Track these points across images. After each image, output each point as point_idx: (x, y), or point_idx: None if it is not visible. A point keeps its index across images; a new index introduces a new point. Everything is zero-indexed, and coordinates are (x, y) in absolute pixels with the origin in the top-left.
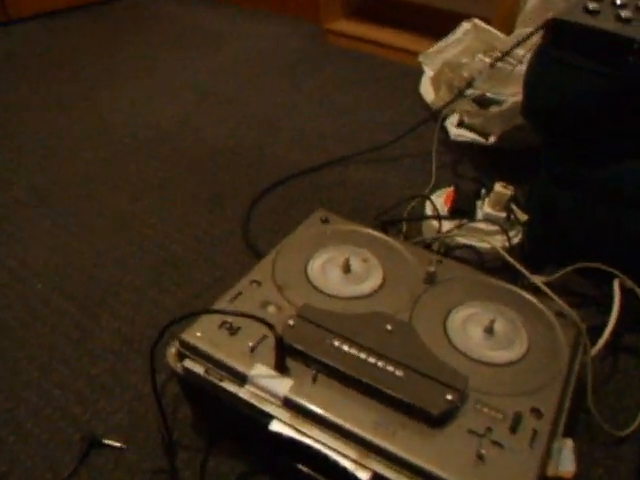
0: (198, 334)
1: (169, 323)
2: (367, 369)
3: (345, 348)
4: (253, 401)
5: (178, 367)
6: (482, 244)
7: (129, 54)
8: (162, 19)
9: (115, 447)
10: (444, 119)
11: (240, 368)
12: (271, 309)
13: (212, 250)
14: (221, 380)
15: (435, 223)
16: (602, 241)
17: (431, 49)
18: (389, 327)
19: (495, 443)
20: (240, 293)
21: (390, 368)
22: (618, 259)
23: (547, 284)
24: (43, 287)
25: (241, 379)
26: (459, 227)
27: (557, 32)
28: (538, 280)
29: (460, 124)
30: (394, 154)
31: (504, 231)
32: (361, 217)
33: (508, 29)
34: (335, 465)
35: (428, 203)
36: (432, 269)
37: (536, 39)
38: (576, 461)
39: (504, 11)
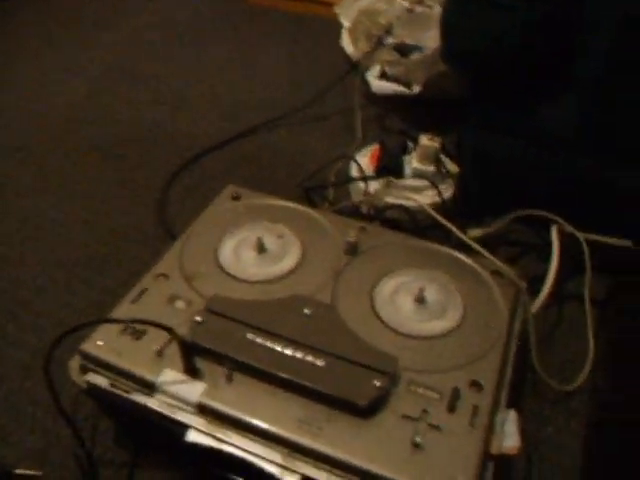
0: (99, 343)
1: (57, 338)
2: (285, 362)
3: (259, 341)
4: (164, 411)
5: (82, 382)
6: (412, 202)
7: (28, 34)
8: None
9: (30, 476)
10: (365, 71)
11: (147, 376)
12: (179, 304)
13: (127, 242)
14: (128, 392)
15: (362, 185)
16: (538, 186)
17: None
18: (307, 311)
19: (432, 426)
20: (145, 290)
21: (310, 358)
22: (556, 203)
23: (485, 238)
24: None
25: (149, 388)
26: (387, 186)
27: None
28: (472, 237)
29: (382, 75)
30: (317, 114)
31: (434, 185)
32: (285, 187)
33: None
34: (262, 472)
35: (354, 164)
36: (352, 239)
37: None
38: (520, 434)
39: None
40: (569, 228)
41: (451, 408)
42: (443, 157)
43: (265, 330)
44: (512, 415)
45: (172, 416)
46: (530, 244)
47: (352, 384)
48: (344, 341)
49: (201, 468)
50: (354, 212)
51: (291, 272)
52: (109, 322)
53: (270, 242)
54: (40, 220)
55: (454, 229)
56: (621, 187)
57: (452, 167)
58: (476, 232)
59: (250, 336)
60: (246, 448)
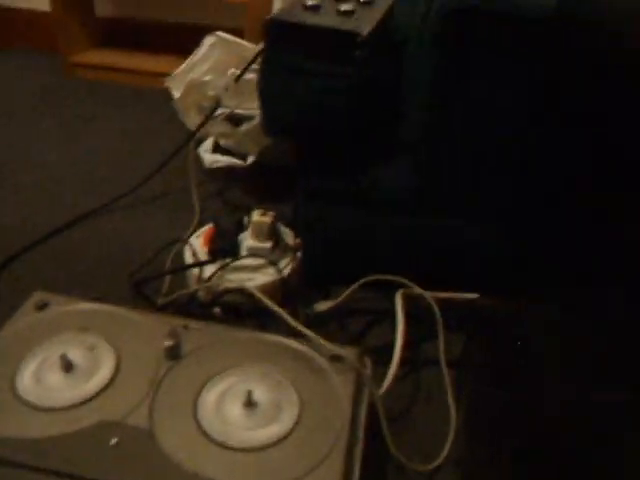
0: None
1: None
2: None
3: None
4: None
5: None
6: (251, 283)
7: None
8: None
9: None
10: (198, 146)
11: None
12: None
13: None
14: None
15: (197, 271)
16: (382, 250)
17: (177, 70)
18: (114, 441)
19: None
20: None
21: None
22: (403, 265)
23: (333, 310)
24: None
25: None
26: (223, 269)
27: (278, 35)
28: (319, 311)
29: (217, 148)
30: (154, 194)
31: (272, 263)
32: (114, 282)
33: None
34: None
35: (188, 248)
36: (171, 342)
37: None
38: None
39: (254, 21)
40: (417, 290)
41: None
42: (283, 228)
43: (57, 473)
44: None
45: None
46: (381, 311)
47: None
48: (158, 475)
49: None
50: (190, 302)
51: (102, 391)
52: None
53: (78, 357)
54: None
55: (284, 314)
56: (465, 241)
57: (291, 239)
58: (323, 306)
59: None
60: None
